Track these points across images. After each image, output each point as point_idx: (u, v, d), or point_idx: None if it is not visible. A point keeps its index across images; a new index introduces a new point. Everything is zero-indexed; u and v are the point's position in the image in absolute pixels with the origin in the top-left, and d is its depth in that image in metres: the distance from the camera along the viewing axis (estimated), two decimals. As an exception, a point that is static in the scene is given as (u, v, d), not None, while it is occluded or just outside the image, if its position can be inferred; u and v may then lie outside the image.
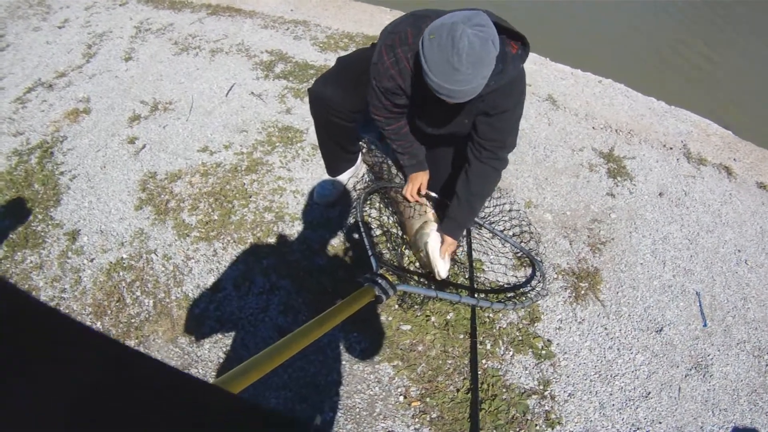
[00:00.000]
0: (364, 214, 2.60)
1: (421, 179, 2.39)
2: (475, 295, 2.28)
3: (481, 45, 1.60)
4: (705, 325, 2.42)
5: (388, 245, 2.49)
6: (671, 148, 3.35)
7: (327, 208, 2.77)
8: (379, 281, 1.56)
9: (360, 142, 2.88)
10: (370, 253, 1.95)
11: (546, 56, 4.13)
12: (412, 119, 2.23)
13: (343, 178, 2.82)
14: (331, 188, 2.78)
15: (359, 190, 2.66)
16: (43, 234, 2.76)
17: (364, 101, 2.28)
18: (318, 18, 4.66)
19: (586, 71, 4.07)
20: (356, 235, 2.55)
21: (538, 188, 2.97)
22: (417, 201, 2.41)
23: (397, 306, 2.32)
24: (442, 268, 2.16)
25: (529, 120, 3.41)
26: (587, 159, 3.19)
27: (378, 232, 2.60)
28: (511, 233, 2.64)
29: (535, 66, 3.98)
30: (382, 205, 2.72)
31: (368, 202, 2.69)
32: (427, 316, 2.27)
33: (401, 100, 2.08)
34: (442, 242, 2.21)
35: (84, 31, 4.60)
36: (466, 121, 2.10)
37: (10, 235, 2.78)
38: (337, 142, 2.56)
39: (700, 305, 2.50)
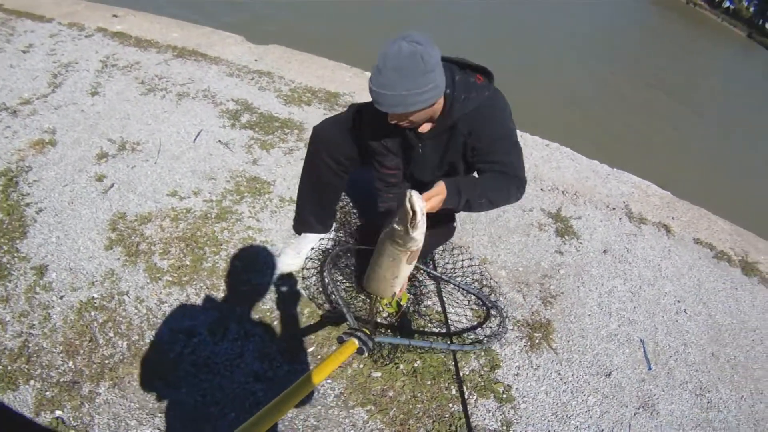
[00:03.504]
0: (335, 272, 2.81)
1: None
2: (446, 341, 2.55)
3: (408, 55, 1.74)
4: (650, 369, 2.77)
5: (359, 300, 2.70)
6: (614, 209, 3.78)
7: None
8: (359, 335, 1.80)
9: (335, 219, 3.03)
10: (345, 311, 2.16)
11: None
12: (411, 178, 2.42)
13: (308, 241, 2.90)
14: (294, 257, 2.86)
15: (328, 249, 2.87)
16: (8, 266, 2.76)
17: (360, 151, 2.48)
18: (281, 70, 4.89)
19: (534, 135, 4.50)
20: (329, 294, 2.71)
21: (492, 246, 3.29)
22: None
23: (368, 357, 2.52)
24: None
25: (483, 180, 3.72)
26: (537, 219, 3.57)
27: (349, 287, 2.81)
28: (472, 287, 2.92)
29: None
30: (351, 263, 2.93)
31: (338, 263, 2.89)
32: (396, 364, 2.48)
33: (390, 161, 2.30)
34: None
35: (49, 59, 4.62)
36: (453, 161, 2.26)
37: (-27, 265, 2.78)
38: (319, 191, 2.71)
39: (644, 351, 2.86)
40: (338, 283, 2.61)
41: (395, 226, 1.67)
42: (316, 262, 2.88)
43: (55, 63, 4.59)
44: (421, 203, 1.57)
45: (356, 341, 1.78)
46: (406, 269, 1.89)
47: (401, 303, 2.67)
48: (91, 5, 6.11)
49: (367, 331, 1.84)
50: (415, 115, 1.92)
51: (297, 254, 2.85)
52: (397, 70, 1.75)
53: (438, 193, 1.87)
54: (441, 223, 2.66)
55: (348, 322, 2.09)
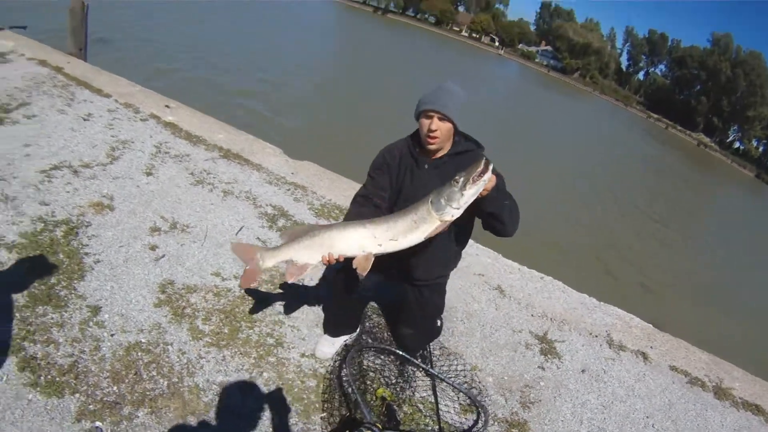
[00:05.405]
0: (354, 366, 3.42)
1: None
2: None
3: (457, 86, 2.76)
4: None
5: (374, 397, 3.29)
6: (596, 336, 4.58)
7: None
8: (374, 429, 2.43)
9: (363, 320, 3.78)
10: (362, 406, 2.80)
11: (499, 252, 5.46)
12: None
13: (339, 340, 3.59)
14: (330, 347, 3.54)
15: (350, 346, 3.52)
16: (66, 299, 3.31)
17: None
18: (314, 186, 5.81)
19: (532, 269, 5.43)
20: (347, 390, 3.23)
21: (483, 357, 3.98)
22: None
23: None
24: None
25: (481, 303, 4.57)
26: (525, 339, 4.31)
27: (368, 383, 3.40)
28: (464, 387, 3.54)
29: (489, 260, 5.32)
30: (370, 362, 3.53)
31: (359, 358, 3.52)
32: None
33: (383, 179, 3.00)
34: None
35: (108, 132, 5.49)
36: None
37: (33, 290, 3.29)
38: (345, 309, 3.49)
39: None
40: (355, 380, 3.23)
41: (455, 178, 2.33)
42: (337, 361, 3.50)
43: (113, 137, 5.45)
44: (490, 169, 2.31)
45: None
46: (422, 234, 2.49)
47: (386, 398, 3.27)
48: (145, 91, 7.15)
49: (380, 426, 2.47)
50: (445, 126, 2.70)
51: (332, 344, 3.56)
52: (452, 88, 2.76)
53: (494, 179, 2.44)
54: (430, 320, 3.42)
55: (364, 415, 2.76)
